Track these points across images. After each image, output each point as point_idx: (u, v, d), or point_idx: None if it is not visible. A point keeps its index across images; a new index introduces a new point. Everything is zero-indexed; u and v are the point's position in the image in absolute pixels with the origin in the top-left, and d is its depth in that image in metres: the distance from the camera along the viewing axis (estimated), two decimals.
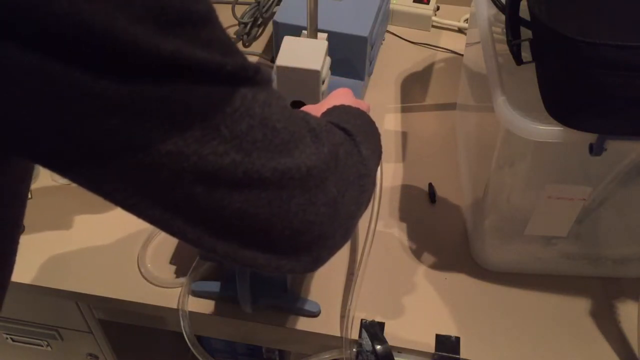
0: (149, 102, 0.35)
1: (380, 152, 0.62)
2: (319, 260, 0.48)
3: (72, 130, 0.35)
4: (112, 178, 0.38)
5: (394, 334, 0.74)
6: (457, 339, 0.74)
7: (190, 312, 0.76)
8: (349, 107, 0.62)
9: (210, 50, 0.37)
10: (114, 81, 0.34)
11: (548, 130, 0.61)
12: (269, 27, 1.13)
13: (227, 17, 1.10)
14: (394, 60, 1.08)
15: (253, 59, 1.08)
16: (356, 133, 0.52)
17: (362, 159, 0.51)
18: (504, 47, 0.68)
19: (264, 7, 1.10)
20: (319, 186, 0.44)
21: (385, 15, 1.06)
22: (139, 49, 0.34)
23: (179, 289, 0.78)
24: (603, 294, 0.79)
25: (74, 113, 0.35)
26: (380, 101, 1.01)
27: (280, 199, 0.42)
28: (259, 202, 0.41)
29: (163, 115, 0.36)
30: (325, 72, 0.81)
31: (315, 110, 0.64)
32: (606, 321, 0.76)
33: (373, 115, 1.00)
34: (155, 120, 0.36)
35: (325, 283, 0.79)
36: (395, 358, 0.72)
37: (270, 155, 0.41)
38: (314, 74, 0.78)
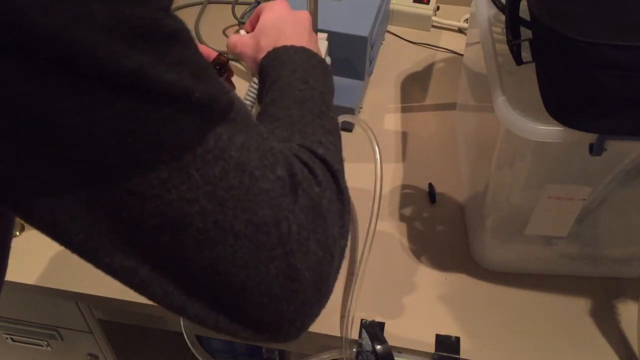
0: (107, 129, 0.31)
1: (332, 91, 0.57)
2: (303, 329, 0.42)
3: (24, 158, 0.31)
4: (68, 217, 0.33)
5: (394, 334, 0.74)
6: (457, 339, 0.74)
7: None
8: (301, 63, 0.56)
9: (179, 72, 0.33)
10: (66, 100, 0.30)
11: (548, 130, 0.61)
12: None
13: (227, 17, 1.10)
14: (394, 60, 1.08)
15: None
16: (332, 158, 0.46)
17: (342, 197, 0.45)
18: (504, 47, 0.68)
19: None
20: (302, 247, 0.39)
21: (385, 15, 1.06)
22: (97, 63, 0.29)
23: None
24: (603, 294, 0.79)
25: (27, 136, 0.30)
26: (380, 101, 1.01)
27: (256, 260, 0.37)
28: (232, 261, 0.36)
29: (122, 147, 0.31)
30: None
31: (250, 47, 0.61)
32: (606, 321, 0.76)
33: (373, 115, 1.01)
34: (114, 152, 0.31)
35: None
36: (395, 358, 0.72)
37: (246, 205, 0.36)
38: None
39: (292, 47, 0.58)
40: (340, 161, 0.48)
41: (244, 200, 0.36)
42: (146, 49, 0.31)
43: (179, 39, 0.33)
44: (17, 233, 0.84)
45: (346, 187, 0.46)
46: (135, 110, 0.31)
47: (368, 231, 0.75)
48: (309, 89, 0.52)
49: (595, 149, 0.62)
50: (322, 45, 0.81)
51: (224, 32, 1.13)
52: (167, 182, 0.33)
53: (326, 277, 0.42)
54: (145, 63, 0.31)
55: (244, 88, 0.92)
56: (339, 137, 0.52)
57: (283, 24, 0.61)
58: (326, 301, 0.43)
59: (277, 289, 0.38)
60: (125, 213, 0.33)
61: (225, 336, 0.41)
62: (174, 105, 0.32)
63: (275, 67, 0.56)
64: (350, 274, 0.80)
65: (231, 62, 1.07)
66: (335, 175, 0.45)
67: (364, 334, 0.73)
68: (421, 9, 1.13)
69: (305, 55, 0.58)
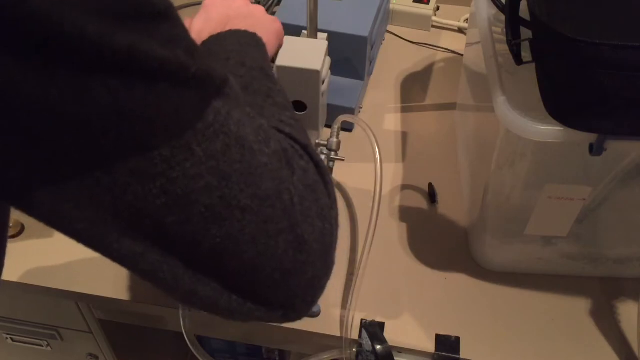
0: (104, 111, 0.30)
1: (269, 59, 0.56)
2: (313, 303, 0.42)
3: (19, 147, 0.30)
4: (69, 205, 0.32)
5: (394, 334, 0.74)
6: (457, 339, 0.74)
7: (190, 312, 0.76)
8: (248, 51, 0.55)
9: (172, 48, 0.32)
10: (60, 84, 0.29)
11: (548, 130, 0.61)
12: None
13: None
14: (394, 60, 1.08)
15: None
16: (298, 135, 0.45)
17: (320, 169, 0.44)
18: (504, 47, 0.68)
19: (264, 7, 1.10)
20: (307, 218, 0.39)
21: (385, 15, 1.06)
22: (88, 43, 0.29)
23: None
24: (603, 294, 0.79)
25: (22, 123, 0.29)
26: (380, 101, 1.01)
27: (266, 235, 0.37)
28: (241, 237, 0.36)
29: (120, 127, 0.31)
30: (325, 72, 0.81)
31: (195, 32, 0.59)
32: (606, 321, 0.76)
33: (373, 115, 1.01)
34: (113, 134, 0.31)
35: None
36: (395, 358, 0.72)
37: (250, 179, 0.36)
38: (314, 74, 0.78)
39: (219, 34, 0.57)
40: (305, 134, 0.48)
41: (246, 174, 0.36)
42: (138, 27, 0.31)
43: (169, 16, 0.33)
44: (16, 233, 0.84)
45: (321, 159, 0.46)
46: (131, 90, 0.30)
47: (368, 231, 0.75)
48: (248, 70, 0.51)
49: (595, 149, 0.62)
50: (322, 45, 0.81)
51: None
52: (170, 159, 0.32)
53: (330, 248, 0.42)
54: (138, 41, 0.30)
55: None
56: (293, 109, 0.52)
57: (216, 14, 0.61)
58: (331, 273, 0.43)
59: (288, 263, 0.38)
60: (129, 195, 0.33)
61: (235, 321, 0.41)
62: (170, 81, 0.32)
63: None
64: (350, 274, 0.80)
65: None
66: (307, 150, 0.44)
67: (364, 334, 0.73)
68: (421, 9, 1.13)
69: (235, 37, 0.57)
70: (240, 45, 0.56)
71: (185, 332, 0.76)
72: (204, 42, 0.58)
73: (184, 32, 0.34)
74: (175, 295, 0.39)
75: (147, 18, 0.31)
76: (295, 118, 0.48)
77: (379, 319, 0.75)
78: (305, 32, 0.85)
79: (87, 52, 0.29)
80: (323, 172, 0.44)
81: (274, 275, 0.38)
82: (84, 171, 0.31)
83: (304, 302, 0.41)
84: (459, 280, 0.80)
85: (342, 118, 0.80)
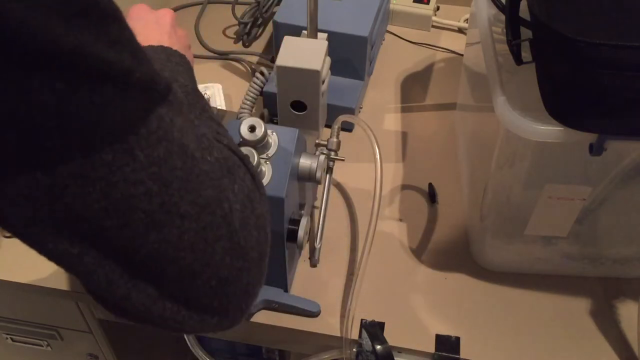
0: (47, 112, 0.30)
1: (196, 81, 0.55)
2: (245, 312, 0.42)
3: None
4: (6, 202, 0.32)
5: (394, 334, 0.74)
6: (457, 339, 0.74)
7: None
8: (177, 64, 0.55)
9: (118, 51, 0.32)
10: (2, 81, 0.28)
11: (548, 130, 0.61)
12: (269, 27, 1.13)
13: (227, 17, 1.10)
14: (394, 60, 1.08)
15: (253, 59, 1.08)
16: (235, 147, 0.45)
17: (256, 180, 0.45)
18: (504, 47, 0.68)
19: (264, 7, 1.10)
20: (245, 225, 0.39)
21: (385, 15, 1.06)
22: (34, 41, 0.28)
23: None
24: (603, 294, 0.79)
25: None
26: (380, 101, 1.01)
27: (204, 241, 0.37)
28: (180, 243, 0.36)
29: (62, 128, 0.30)
30: (325, 72, 0.81)
31: None
32: (606, 321, 0.76)
33: (373, 115, 1.01)
34: (55, 135, 0.30)
35: (325, 283, 0.79)
36: (395, 358, 0.72)
37: (191, 186, 0.36)
38: (314, 74, 0.78)
39: (150, 47, 0.57)
40: (238, 147, 0.48)
41: (187, 181, 0.36)
42: (85, 27, 0.30)
43: (116, 19, 0.33)
44: None
45: (256, 171, 0.46)
46: (75, 91, 0.30)
47: (368, 231, 0.75)
48: (181, 86, 0.51)
49: (595, 149, 0.62)
50: (322, 45, 0.81)
51: (224, 32, 1.13)
52: (111, 164, 0.32)
53: (265, 256, 0.43)
54: (85, 41, 0.30)
55: (244, 88, 0.93)
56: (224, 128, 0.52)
57: (142, 28, 0.60)
58: (263, 281, 0.43)
59: (225, 270, 0.38)
60: (68, 197, 0.32)
61: (167, 332, 0.41)
62: (115, 85, 0.32)
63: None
64: (350, 274, 0.80)
65: (231, 62, 1.08)
66: (244, 161, 0.45)
67: (364, 334, 0.73)
68: (421, 9, 1.13)
69: (165, 54, 0.57)
70: (170, 62, 0.55)
71: None
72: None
73: (131, 36, 0.34)
74: (107, 302, 0.39)
75: (94, 19, 0.31)
76: (228, 133, 0.48)
77: (379, 319, 0.75)
78: (305, 32, 0.85)
79: (32, 50, 0.28)
80: (259, 184, 0.45)
81: (211, 281, 0.38)
82: (23, 170, 0.31)
83: (238, 308, 0.41)
84: (459, 280, 0.80)
85: (342, 118, 0.80)
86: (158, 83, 0.35)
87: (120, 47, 0.32)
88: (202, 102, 0.51)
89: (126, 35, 0.33)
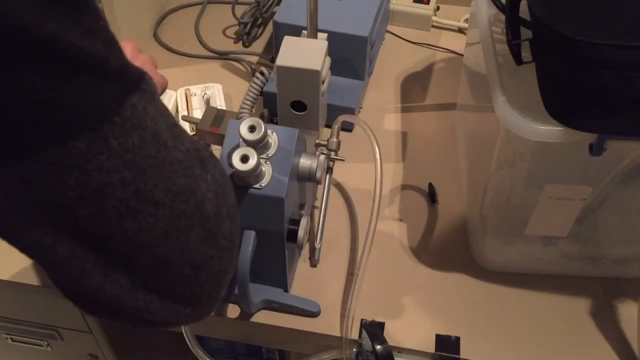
0: (21, 99, 0.30)
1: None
2: (216, 301, 0.42)
3: None
4: None
5: (394, 334, 0.74)
6: (457, 339, 0.74)
7: None
8: None
9: (93, 40, 0.32)
10: None
11: (548, 130, 0.61)
12: (269, 27, 1.13)
13: (227, 17, 1.10)
14: (394, 60, 1.08)
15: (253, 59, 1.08)
16: (205, 146, 0.46)
17: (224, 173, 0.45)
18: (504, 47, 0.68)
19: (264, 7, 1.10)
20: (218, 214, 0.40)
21: (385, 15, 1.06)
22: (10, 27, 0.28)
23: None
24: (603, 294, 0.79)
25: None
26: (380, 101, 1.01)
27: (177, 229, 0.37)
28: (154, 231, 0.36)
29: (37, 116, 0.30)
30: (325, 72, 0.81)
31: None
32: (606, 321, 0.76)
33: (373, 115, 1.01)
34: (29, 122, 0.30)
35: (325, 283, 0.79)
36: (395, 358, 0.72)
37: (165, 174, 0.36)
38: (314, 74, 0.78)
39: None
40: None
41: (161, 169, 0.36)
42: (59, 16, 0.30)
43: (90, 7, 0.33)
44: None
45: (223, 168, 0.46)
46: (50, 79, 0.30)
47: (368, 231, 0.75)
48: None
49: (595, 149, 0.62)
50: (322, 45, 0.81)
51: (224, 32, 1.13)
52: (86, 152, 0.32)
53: (236, 245, 0.43)
54: (60, 30, 0.30)
55: (244, 88, 0.92)
56: None
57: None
58: (234, 271, 0.44)
59: (198, 258, 0.39)
60: (41, 186, 0.32)
61: (139, 326, 0.41)
62: (90, 73, 0.32)
63: None
64: (350, 274, 0.80)
65: (231, 62, 1.08)
66: (213, 156, 0.45)
67: (364, 334, 0.73)
68: (421, 9, 1.13)
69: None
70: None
71: (185, 332, 0.76)
72: None
73: (105, 25, 0.34)
74: (78, 296, 0.38)
75: (69, 8, 0.31)
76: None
77: (379, 319, 0.75)
78: (305, 32, 0.85)
79: (7, 38, 0.28)
80: (227, 176, 0.45)
81: (185, 269, 0.38)
82: None
83: (210, 297, 0.41)
84: (459, 280, 0.80)
85: (342, 118, 0.80)
86: (131, 71, 0.35)
87: (94, 37, 0.32)
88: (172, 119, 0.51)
89: (100, 24, 0.33)
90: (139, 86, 0.35)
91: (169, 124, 0.38)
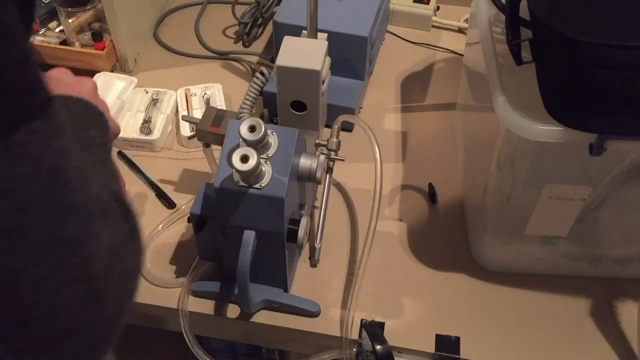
0: None
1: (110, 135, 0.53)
2: None
3: None
4: None
5: (394, 334, 0.74)
6: (457, 339, 0.74)
7: (190, 312, 0.76)
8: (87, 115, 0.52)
9: None
10: None
11: (548, 130, 0.61)
12: (269, 27, 1.13)
13: (227, 17, 1.10)
14: (394, 60, 1.08)
15: (253, 59, 1.08)
16: (124, 197, 0.42)
17: (138, 235, 0.41)
18: (504, 47, 0.68)
19: (264, 7, 1.10)
20: (109, 274, 0.35)
21: (385, 15, 1.06)
22: None
23: (179, 289, 0.78)
24: (603, 294, 0.79)
25: None
26: (380, 101, 1.01)
27: (51, 279, 0.32)
28: (24, 276, 0.31)
29: None
30: (325, 72, 0.81)
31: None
32: (606, 321, 0.76)
33: (373, 115, 1.01)
34: None
35: (325, 283, 0.79)
36: (395, 358, 0.72)
37: (53, 215, 0.32)
38: (314, 74, 0.78)
39: (69, 96, 0.53)
40: (129, 201, 0.44)
41: (50, 209, 0.32)
42: None
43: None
44: None
45: (140, 227, 0.42)
46: None
47: (368, 231, 0.75)
48: (91, 137, 0.49)
49: (595, 149, 0.62)
50: (322, 45, 0.81)
51: (224, 32, 1.13)
52: None
53: (123, 315, 0.37)
54: None
55: (244, 88, 0.92)
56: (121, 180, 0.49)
57: (64, 89, 0.57)
58: (112, 346, 0.37)
59: (71, 319, 0.33)
60: None
61: None
62: None
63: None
64: (350, 274, 0.80)
65: (231, 62, 1.08)
66: (130, 214, 0.42)
67: (364, 334, 0.73)
68: (421, 9, 1.13)
69: (83, 105, 0.53)
70: (87, 114, 0.52)
71: (185, 332, 0.76)
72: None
73: (23, 35, 0.30)
74: None
75: None
76: (122, 193, 0.44)
77: (379, 319, 0.75)
78: (305, 32, 0.85)
79: None
80: (136, 240, 0.41)
81: (52, 330, 0.33)
82: None
83: None
84: (459, 280, 0.80)
85: (342, 118, 0.80)
86: (37, 92, 0.31)
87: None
88: (107, 156, 0.48)
89: (10, 30, 0.29)
90: (44, 111, 0.31)
91: (80, 164, 0.34)
